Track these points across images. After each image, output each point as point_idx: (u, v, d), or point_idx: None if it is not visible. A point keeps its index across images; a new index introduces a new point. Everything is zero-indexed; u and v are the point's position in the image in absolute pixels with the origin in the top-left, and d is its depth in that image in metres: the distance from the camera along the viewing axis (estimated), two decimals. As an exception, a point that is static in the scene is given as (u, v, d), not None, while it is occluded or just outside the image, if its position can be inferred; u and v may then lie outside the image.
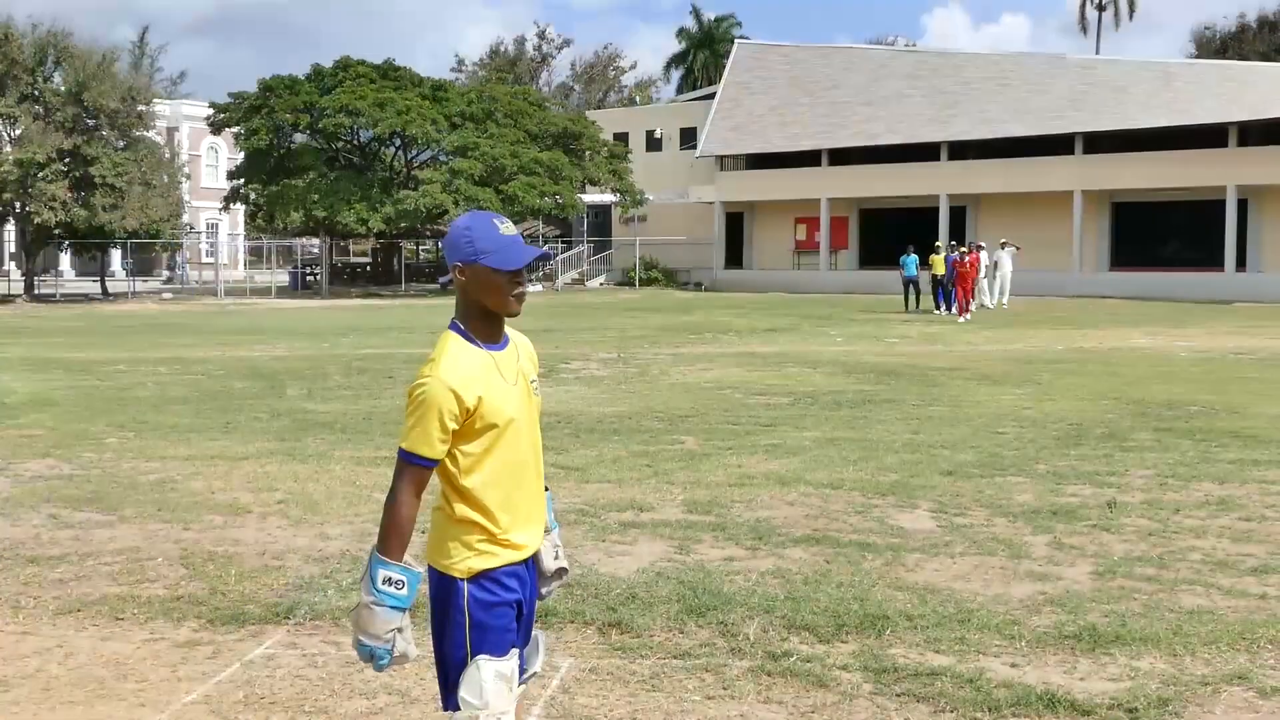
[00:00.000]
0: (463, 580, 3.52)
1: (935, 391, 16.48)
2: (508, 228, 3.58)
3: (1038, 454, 11.33)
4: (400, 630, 3.48)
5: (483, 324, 3.61)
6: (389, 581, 3.46)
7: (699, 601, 6.65)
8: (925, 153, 52.22)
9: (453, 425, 3.45)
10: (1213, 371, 19.22)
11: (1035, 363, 20.63)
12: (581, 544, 7.97)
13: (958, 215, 51.75)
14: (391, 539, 3.48)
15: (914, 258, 37.18)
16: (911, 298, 37.15)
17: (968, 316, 33.35)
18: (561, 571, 3.86)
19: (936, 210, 51.15)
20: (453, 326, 3.60)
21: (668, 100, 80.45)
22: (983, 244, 38.85)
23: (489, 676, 3.50)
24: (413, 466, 3.46)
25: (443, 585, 3.55)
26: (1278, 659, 5.80)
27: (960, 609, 6.56)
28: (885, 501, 9.29)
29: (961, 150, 51.81)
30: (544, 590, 3.82)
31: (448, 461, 3.51)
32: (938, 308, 35.92)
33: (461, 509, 3.54)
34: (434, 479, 3.53)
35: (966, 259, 34.33)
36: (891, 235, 52.21)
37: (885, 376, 18.40)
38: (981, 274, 37.03)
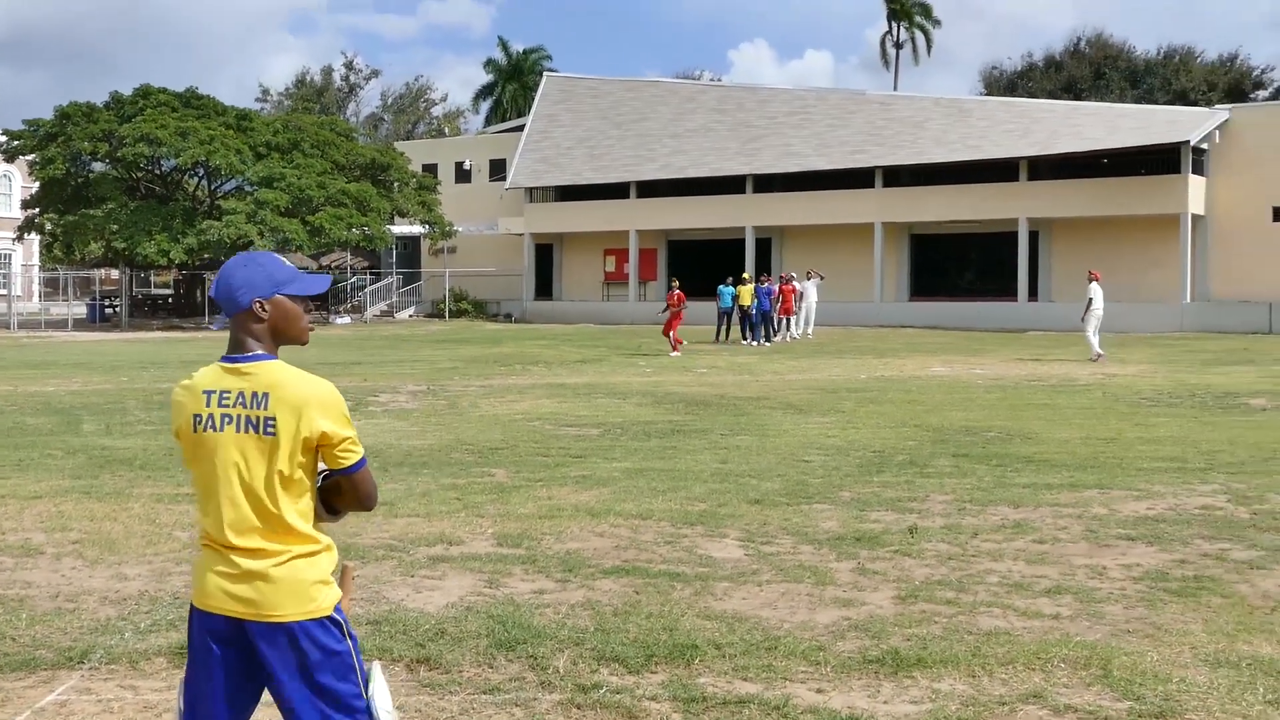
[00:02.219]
0: (336, 610, 3.61)
1: (743, 421, 16.73)
2: (287, 259, 3.62)
3: (842, 481, 11.57)
4: None
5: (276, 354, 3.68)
6: None
7: (509, 635, 6.62)
8: (731, 185, 53.17)
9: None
10: (1007, 398, 19.89)
11: (839, 391, 21.09)
12: (390, 579, 7.87)
13: (764, 246, 52.75)
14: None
15: (731, 289, 37.72)
16: (723, 329, 37.68)
17: (769, 344, 34.04)
18: None
19: (743, 242, 52.03)
20: (261, 357, 3.63)
21: (476, 132, 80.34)
22: (794, 275, 39.68)
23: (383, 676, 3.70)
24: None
25: (322, 628, 3.56)
26: (1070, 677, 6.01)
27: (767, 636, 6.65)
28: (694, 531, 9.38)
29: (766, 183, 52.92)
30: None
31: (307, 482, 3.60)
32: (744, 338, 36.48)
33: (315, 534, 3.61)
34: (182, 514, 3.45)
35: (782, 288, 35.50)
36: (699, 266, 52.98)
37: (694, 407, 18.61)
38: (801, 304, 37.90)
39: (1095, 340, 28.50)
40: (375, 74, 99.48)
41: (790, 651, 6.39)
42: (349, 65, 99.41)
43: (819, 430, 15.65)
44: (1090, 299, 28.59)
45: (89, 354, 33.68)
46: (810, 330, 39.58)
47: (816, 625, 6.89)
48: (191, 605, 3.67)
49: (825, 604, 7.34)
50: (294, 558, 3.56)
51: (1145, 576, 7.95)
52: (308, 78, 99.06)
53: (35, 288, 72.75)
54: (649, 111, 56.10)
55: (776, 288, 37.09)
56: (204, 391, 3.62)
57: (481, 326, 50.78)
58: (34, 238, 61.01)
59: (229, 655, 3.57)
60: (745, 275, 39.17)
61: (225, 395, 3.59)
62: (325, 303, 60.54)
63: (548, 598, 7.47)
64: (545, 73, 68.16)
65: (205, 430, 3.59)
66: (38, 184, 55.50)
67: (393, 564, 8.30)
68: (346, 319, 56.36)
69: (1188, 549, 8.74)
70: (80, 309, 58.03)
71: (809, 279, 40.05)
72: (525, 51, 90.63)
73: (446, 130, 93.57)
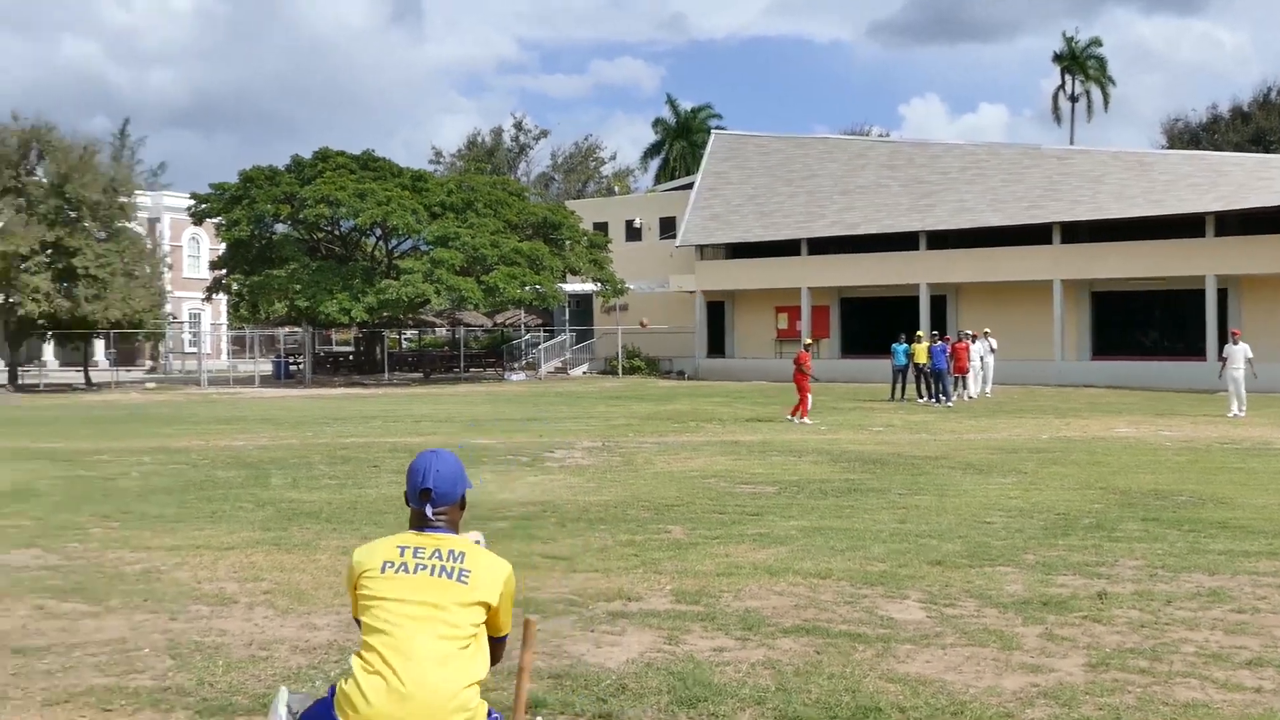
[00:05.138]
0: None
1: (921, 480, 16.48)
2: None
3: (1026, 544, 11.31)
4: None
5: None
6: None
7: (690, 692, 6.60)
8: (904, 242, 52.60)
9: None
10: (1197, 461, 19.26)
11: (1020, 451, 20.66)
12: (570, 634, 7.92)
13: (938, 304, 52.06)
14: None
15: (905, 346, 37.27)
16: (898, 387, 37.25)
17: (951, 403, 33.53)
18: None
19: (917, 299, 51.46)
20: (452, 531, 4.30)
21: (645, 190, 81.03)
22: (970, 332, 39.10)
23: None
24: None
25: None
26: (1274, 750, 5.77)
27: (953, 701, 6.52)
28: (874, 591, 9.25)
29: (940, 239, 52.23)
30: None
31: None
32: (921, 397, 36.02)
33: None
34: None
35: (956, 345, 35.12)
36: (873, 324, 52.50)
37: (871, 465, 18.40)
38: (970, 364, 37.26)
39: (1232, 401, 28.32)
40: (544, 134, 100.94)
41: (977, 717, 6.26)
42: (519, 125, 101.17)
43: (1000, 491, 15.33)
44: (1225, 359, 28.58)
45: (275, 410, 34.68)
46: (989, 389, 38.89)
47: (1004, 691, 6.73)
48: None
49: (1012, 669, 7.17)
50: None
51: (1352, 646, 7.61)
52: (479, 138, 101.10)
53: (223, 346, 75.23)
54: (818, 168, 55.94)
55: (950, 345, 36.55)
56: (397, 546, 4.20)
57: (654, 383, 51.01)
58: (221, 297, 63.16)
59: None
60: (919, 333, 38.67)
61: (420, 550, 4.17)
62: (500, 361, 61.49)
63: (728, 655, 7.43)
64: (713, 130, 68.51)
65: (397, 573, 4.12)
66: (224, 245, 57.49)
67: (572, 619, 8.34)
68: (521, 375, 57.11)
69: (1397, 618, 8.33)
70: (266, 366, 59.82)
71: (983, 338, 39.39)
72: (694, 110, 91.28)
73: (616, 188, 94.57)
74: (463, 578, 4.09)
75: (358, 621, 4.15)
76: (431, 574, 4.09)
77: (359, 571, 4.18)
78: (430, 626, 3.99)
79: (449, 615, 4.02)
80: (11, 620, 8.44)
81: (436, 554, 4.14)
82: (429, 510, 4.28)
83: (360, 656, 3.98)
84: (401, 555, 4.15)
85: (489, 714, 4.03)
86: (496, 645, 4.23)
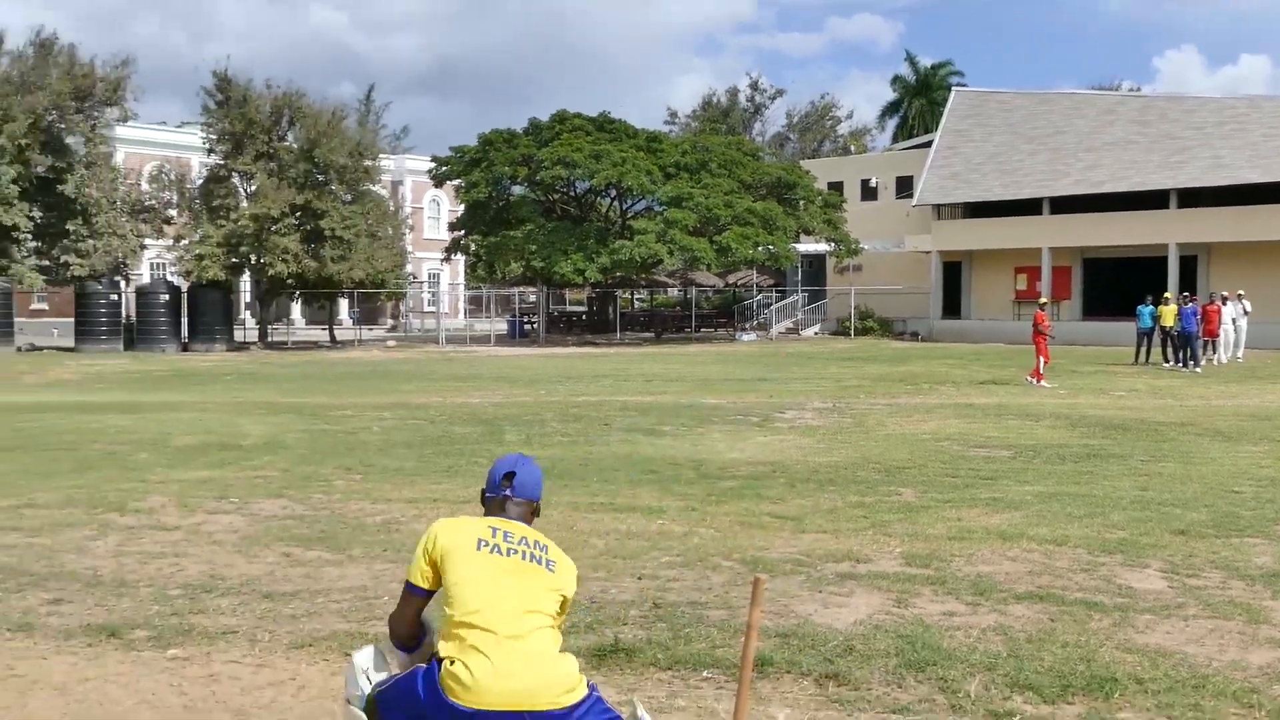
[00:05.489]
0: None
1: (1165, 447, 15.89)
2: None
3: (1277, 515, 10.81)
4: None
5: None
6: None
7: (918, 656, 6.51)
8: (1152, 200, 50.61)
9: None
10: None
11: (1273, 419, 19.75)
12: (798, 594, 7.89)
13: (1188, 265, 50.01)
14: None
15: (1151, 308, 35.95)
16: (1143, 350, 35.99)
17: (1200, 368, 32.28)
18: None
19: (1164, 260, 49.54)
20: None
21: (883, 149, 79.91)
22: (1224, 294, 37.55)
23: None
24: None
25: (593, 693, 4.09)
26: None
27: (1194, 674, 6.29)
28: (1112, 560, 8.97)
29: (1192, 197, 50.03)
30: None
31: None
32: (1167, 360, 34.75)
33: None
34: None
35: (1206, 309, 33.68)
36: (1116, 285, 50.76)
37: (1111, 431, 17.83)
38: (1220, 327, 35.81)
39: None
40: (780, 93, 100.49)
41: (1220, 692, 6.02)
42: (754, 85, 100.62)
43: (1250, 460, 14.68)
44: None
45: (509, 368, 35.44)
46: (1240, 354, 37.25)
47: (1249, 666, 6.46)
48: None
49: (1259, 644, 6.87)
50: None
51: None
52: (714, 99, 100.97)
53: (461, 305, 77.13)
54: (1064, 125, 54.24)
55: (1200, 308, 35.09)
56: (489, 527, 4.27)
57: (887, 345, 50.41)
58: (459, 258, 64.69)
59: None
60: (1167, 295, 37.27)
61: (510, 535, 4.26)
62: (731, 321, 61.56)
63: (958, 620, 7.30)
64: (954, 88, 67.11)
65: (491, 553, 4.19)
66: (463, 207, 58.84)
67: (801, 578, 8.32)
68: (752, 336, 57.10)
69: None
70: (501, 325, 61.17)
71: (1236, 300, 37.69)
72: (934, 66, 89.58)
73: (852, 148, 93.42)
74: (550, 566, 4.22)
75: (411, 586, 4.23)
76: (523, 559, 4.19)
77: (447, 547, 4.20)
78: (527, 607, 4.07)
79: (541, 599, 4.12)
80: (261, 566, 8.83)
81: (524, 541, 4.25)
82: (510, 494, 4.43)
83: (456, 636, 4.01)
84: (494, 536, 4.23)
85: (589, 686, 4.07)
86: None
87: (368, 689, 4.21)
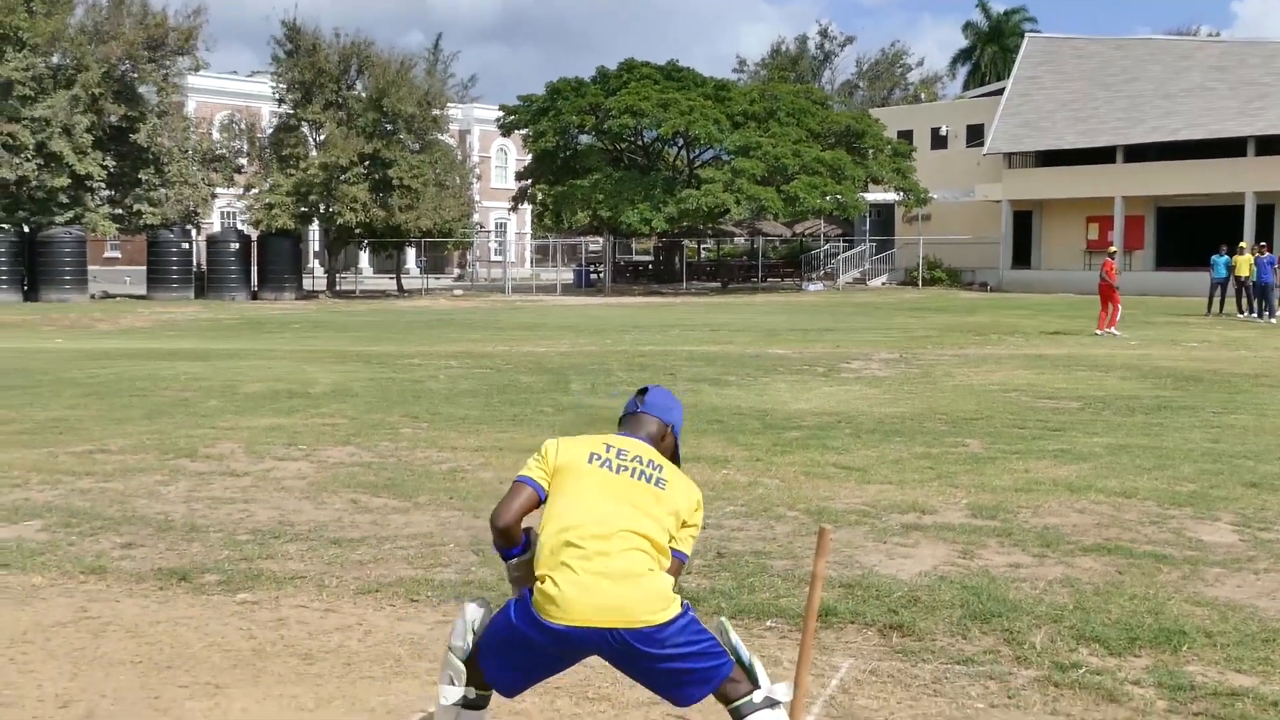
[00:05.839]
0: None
1: (1238, 399, 15.66)
2: None
3: (1352, 467, 10.63)
4: None
5: None
6: None
7: (983, 607, 6.47)
8: (1229, 148, 49.70)
9: None
10: None
11: (1348, 370, 19.42)
12: (862, 544, 7.87)
13: (1265, 214, 49.17)
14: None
15: (1225, 258, 35.41)
16: (1216, 301, 35.47)
17: (1276, 319, 31.76)
18: None
19: (1241, 209, 48.70)
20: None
21: (954, 97, 78.98)
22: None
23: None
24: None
25: (685, 615, 4.02)
26: None
27: (1264, 628, 6.20)
28: (1182, 512, 8.86)
29: (1270, 145, 49.06)
30: None
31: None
32: (1241, 311, 34.23)
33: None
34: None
35: None
36: (1190, 235, 50.02)
37: (1183, 382, 17.60)
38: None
39: None
40: (850, 40, 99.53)
41: (1292, 646, 5.93)
42: (824, 33, 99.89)
43: (1325, 411, 14.45)
44: None
45: (575, 317, 35.51)
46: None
47: (1322, 619, 6.37)
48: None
49: (1332, 597, 6.77)
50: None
51: None
52: (783, 46, 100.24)
53: (527, 254, 77.33)
54: (1139, 71, 53.35)
55: (1277, 257, 34.47)
56: (604, 443, 4.27)
57: (956, 295, 50.00)
58: (526, 207, 64.81)
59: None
60: (1242, 244, 36.67)
61: (624, 452, 4.23)
62: (798, 271, 61.28)
63: (1024, 572, 7.25)
64: (1027, 34, 66.14)
65: (601, 467, 4.19)
66: (530, 156, 58.86)
67: (865, 529, 8.29)
68: (819, 285, 56.86)
69: None
70: (567, 275, 61.27)
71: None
72: (1006, 13, 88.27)
73: (923, 96, 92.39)
74: (660, 484, 4.15)
75: (522, 477, 4.28)
76: (633, 476, 4.14)
77: (564, 460, 4.23)
78: (626, 525, 4.01)
79: (643, 519, 4.05)
80: (329, 513, 8.92)
81: (638, 459, 4.20)
82: (641, 409, 4.42)
83: (552, 552, 3.99)
84: (607, 451, 4.21)
85: (683, 606, 4.01)
86: (676, 563, 4.19)
87: (470, 644, 4.23)
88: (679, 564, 4.20)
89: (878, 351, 22.72)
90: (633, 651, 3.95)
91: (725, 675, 4.03)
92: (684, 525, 4.19)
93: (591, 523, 4.01)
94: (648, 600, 3.92)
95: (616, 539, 3.98)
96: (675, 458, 4.44)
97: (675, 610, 3.96)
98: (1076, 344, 24.64)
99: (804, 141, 53.15)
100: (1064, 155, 55.18)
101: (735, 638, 4.15)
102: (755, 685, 4.07)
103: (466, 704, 4.25)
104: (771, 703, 4.06)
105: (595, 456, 4.19)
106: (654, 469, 4.19)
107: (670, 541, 4.13)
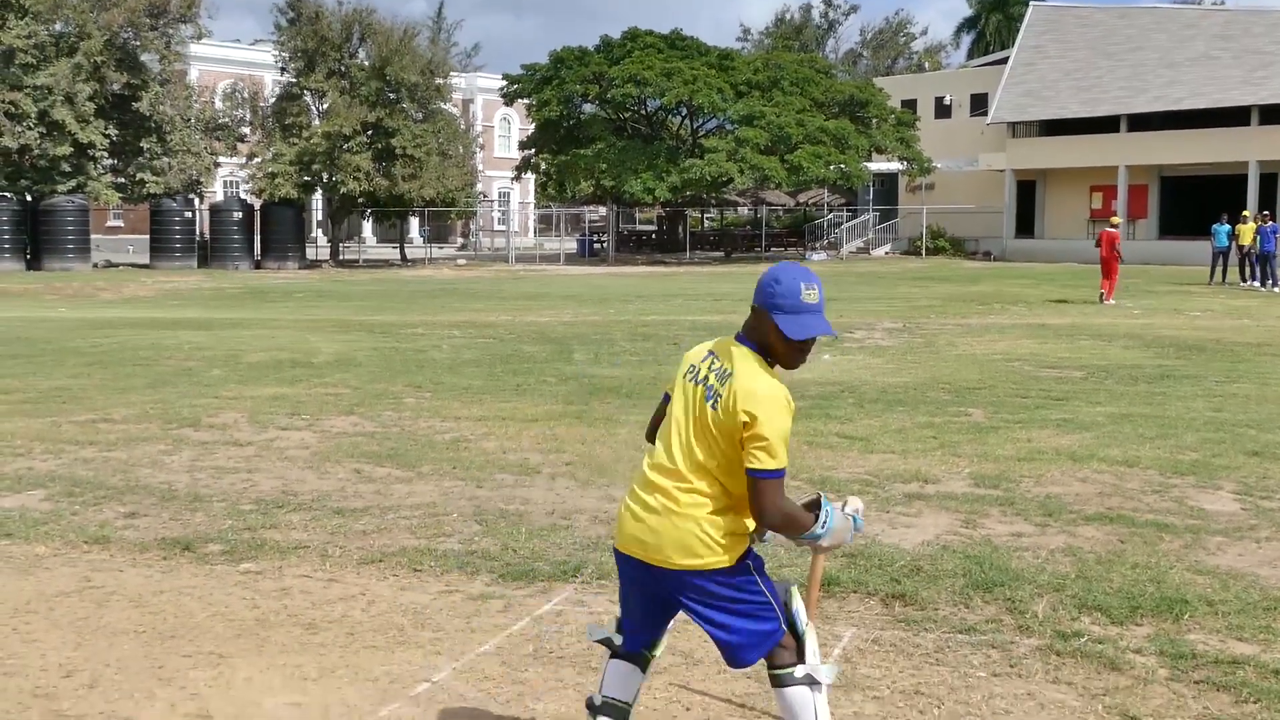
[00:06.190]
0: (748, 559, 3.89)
1: (1241, 368, 15.66)
2: (812, 294, 3.77)
3: (1355, 436, 10.64)
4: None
5: (766, 357, 3.83)
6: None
7: (985, 576, 6.49)
8: (1233, 117, 49.51)
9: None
10: None
11: (1352, 339, 19.40)
12: (865, 514, 7.86)
13: (1268, 183, 49.00)
14: (800, 523, 3.85)
15: (1227, 227, 35.34)
16: (1218, 270, 35.41)
17: (1277, 289, 31.70)
18: None
19: (1244, 178, 48.55)
20: (746, 342, 3.85)
21: (958, 66, 78.68)
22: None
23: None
24: (780, 481, 3.73)
25: (737, 569, 3.81)
26: None
27: (1266, 596, 6.22)
28: (1184, 481, 8.87)
29: (1274, 114, 48.88)
30: None
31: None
32: (1244, 280, 34.18)
33: (737, 509, 3.81)
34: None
35: None
36: (1194, 204, 49.85)
37: (1186, 351, 17.59)
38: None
39: None
40: (854, 9, 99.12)
41: (1293, 615, 5.95)
42: (828, 2, 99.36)
43: (1328, 380, 14.44)
44: None
45: (579, 287, 35.48)
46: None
47: (1324, 588, 6.38)
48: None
49: (1334, 566, 6.78)
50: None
51: None
52: (787, 15, 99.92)
53: (531, 224, 77.20)
54: (1143, 40, 53.09)
55: (1280, 227, 34.39)
56: (709, 350, 3.92)
57: (959, 264, 49.92)
58: (530, 176, 64.69)
59: None
60: (1245, 213, 36.56)
61: (714, 359, 3.87)
62: (802, 240, 61.18)
63: (1026, 541, 7.27)
64: (1031, 3, 65.80)
65: (687, 381, 3.90)
66: (534, 125, 58.70)
67: (868, 499, 8.29)
68: (822, 255, 56.74)
69: None
70: (571, 244, 61.18)
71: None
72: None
73: (926, 65, 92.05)
74: (714, 404, 3.74)
75: (667, 395, 4.05)
76: (703, 393, 3.81)
77: (677, 373, 3.99)
78: (680, 452, 3.80)
79: (695, 445, 3.78)
80: (332, 482, 8.93)
81: (716, 370, 3.80)
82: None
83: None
84: (702, 360, 3.89)
85: (748, 553, 3.84)
86: (764, 486, 3.68)
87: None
88: (759, 483, 3.68)
89: (881, 321, 22.72)
90: (672, 594, 3.86)
91: (775, 643, 3.89)
92: (741, 434, 3.68)
93: (661, 448, 3.89)
94: (685, 541, 3.74)
95: (666, 469, 3.82)
96: (765, 347, 3.80)
97: (719, 560, 3.76)
98: (1080, 313, 24.62)
99: (808, 111, 52.96)
100: (1068, 124, 54.97)
101: (799, 604, 3.97)
102: (801, 659, 3.91)
103: (612, 651, 4.19)
104: (812, 680, 3.88)
105: (690, 371, 3.90)
106: (720, 379, 3.74)
107: (720, 463, 3.76)
